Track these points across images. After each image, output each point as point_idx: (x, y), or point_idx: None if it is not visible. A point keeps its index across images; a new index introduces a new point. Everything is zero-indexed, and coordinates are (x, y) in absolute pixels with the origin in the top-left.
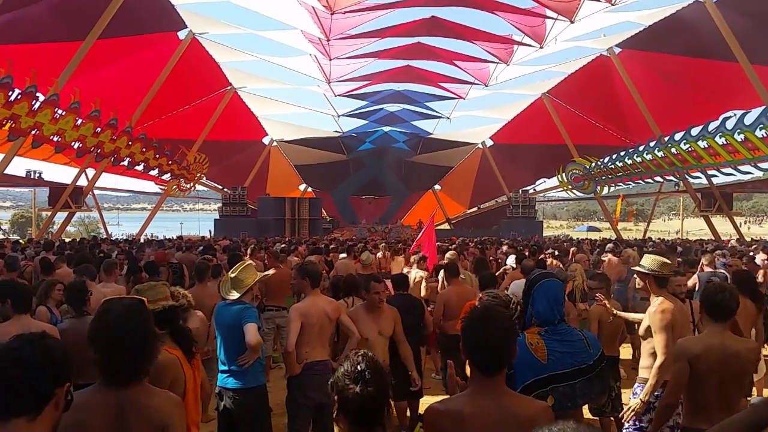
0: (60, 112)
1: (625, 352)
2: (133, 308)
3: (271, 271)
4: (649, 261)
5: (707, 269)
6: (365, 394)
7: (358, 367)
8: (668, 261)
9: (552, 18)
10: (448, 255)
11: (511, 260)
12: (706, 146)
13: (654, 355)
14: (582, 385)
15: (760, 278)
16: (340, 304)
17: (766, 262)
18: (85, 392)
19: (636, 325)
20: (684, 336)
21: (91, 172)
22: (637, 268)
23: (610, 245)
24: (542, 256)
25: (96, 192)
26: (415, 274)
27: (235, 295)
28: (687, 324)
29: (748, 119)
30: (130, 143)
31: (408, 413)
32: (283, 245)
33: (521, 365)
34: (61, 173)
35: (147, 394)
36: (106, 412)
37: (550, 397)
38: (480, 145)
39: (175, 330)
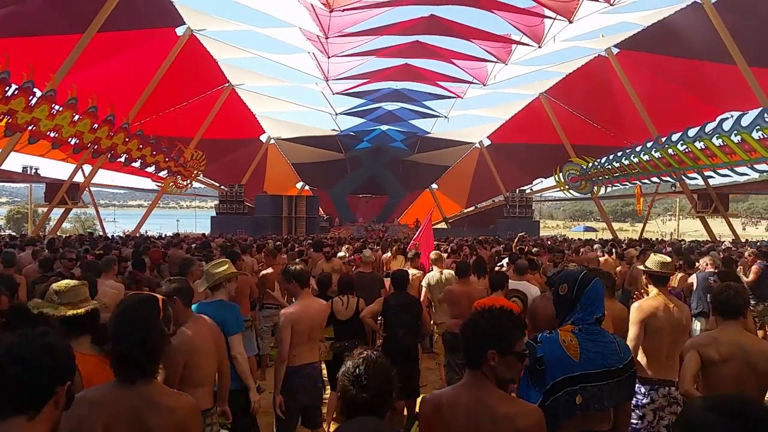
0: (57, 107)
1: None
2: (141, 302)
3: (269, 270)
4: (649, 260)
5: (709, 269)
6: (360, 397)
7: (357, 370)
8: (666, 261)
9: (551, 18)
10: (432, 255)
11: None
12: (703, 147)
13: (643, 353)
14: (610, 387)
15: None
16: (328, 304)
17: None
18: (101, 388)
19: None
20: (671, 336)
21: (87, 168)
22: (641, 267)
23: (597, 245)
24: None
25: (92, 188)
26: (411, 273)
27: (202, 286)
28: (678, 325)
29: (745, 121)
30: (127, 140)
31: (405, 412)
32: (278, 242)
33: (553, 362)
34: (57, 169)
35: (165, 395)
36: (124, 409)
37: (578, 396)
38: (477, 145)
39: (96, 332)
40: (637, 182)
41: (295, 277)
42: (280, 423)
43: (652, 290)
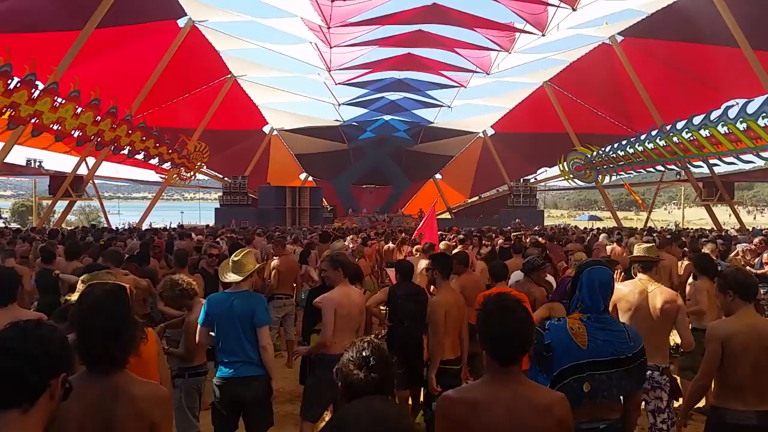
0: (60, 100)
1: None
2: (112, 293)
3: (277, 260)
4: (635, 248)
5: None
6: (369, 380)
7: (363, 353)
8: (650, 246)
9: (554, 5)
10: (441, 246)
11: None
12: (708, 135)
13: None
14: (619, 376)
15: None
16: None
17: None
18: (73, 379)
19: None
20: (649, 320)
21: (91, 161)
22: (630, 257)
23: (603, 235)
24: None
25: (96, 181)
26: (423, 264)
27: (234, 278)
28: (655, 309)
29: (751, 108)
30: (130, 132)
31: (410, 402)
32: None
33: (560, 349)
34: (61, 162)
35: (133, 384)
36: (86, 400)
37: (586, 383)
38: (481, 134)
39: None
40: (642, 171)
41: (342, 265)
42: (309, 404)
43: (641, 276)
